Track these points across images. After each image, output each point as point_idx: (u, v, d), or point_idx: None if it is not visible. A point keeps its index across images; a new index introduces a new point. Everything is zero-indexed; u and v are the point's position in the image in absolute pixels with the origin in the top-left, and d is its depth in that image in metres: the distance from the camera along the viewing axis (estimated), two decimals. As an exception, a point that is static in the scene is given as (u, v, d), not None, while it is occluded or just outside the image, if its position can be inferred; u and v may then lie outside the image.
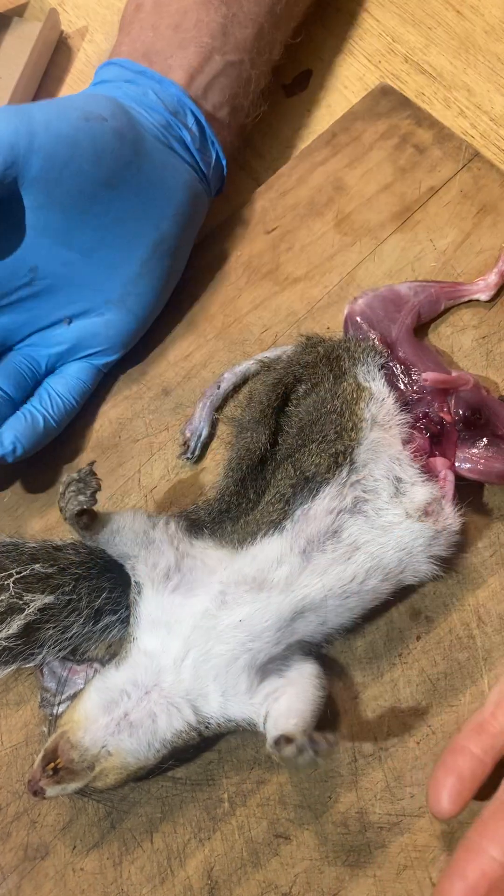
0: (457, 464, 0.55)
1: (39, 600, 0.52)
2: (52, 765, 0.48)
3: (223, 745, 0.54)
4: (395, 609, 0.56)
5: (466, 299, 0.62)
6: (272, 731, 0.48)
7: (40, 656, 0.52)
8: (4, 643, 0.52)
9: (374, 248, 0.65)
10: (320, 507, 0.52)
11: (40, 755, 0.48)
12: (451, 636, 0.55)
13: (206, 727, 0.50)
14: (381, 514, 0.52)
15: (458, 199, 0.66)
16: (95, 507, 0.50)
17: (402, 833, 0.52)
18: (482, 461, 0.54)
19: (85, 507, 0.49)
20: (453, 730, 0.53)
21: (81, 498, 0.49)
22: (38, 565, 0.52)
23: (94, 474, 0.51)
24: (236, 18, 0.63)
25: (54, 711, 0.52)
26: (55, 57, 0.76)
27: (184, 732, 0.50)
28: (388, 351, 0.58)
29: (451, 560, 0.55)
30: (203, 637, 0.50)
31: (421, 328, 0.62)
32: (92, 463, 0.51)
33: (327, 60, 0.74)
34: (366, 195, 0.67)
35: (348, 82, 0.73)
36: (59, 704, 0.52)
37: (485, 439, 0.55)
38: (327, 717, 0.52)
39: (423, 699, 0.54)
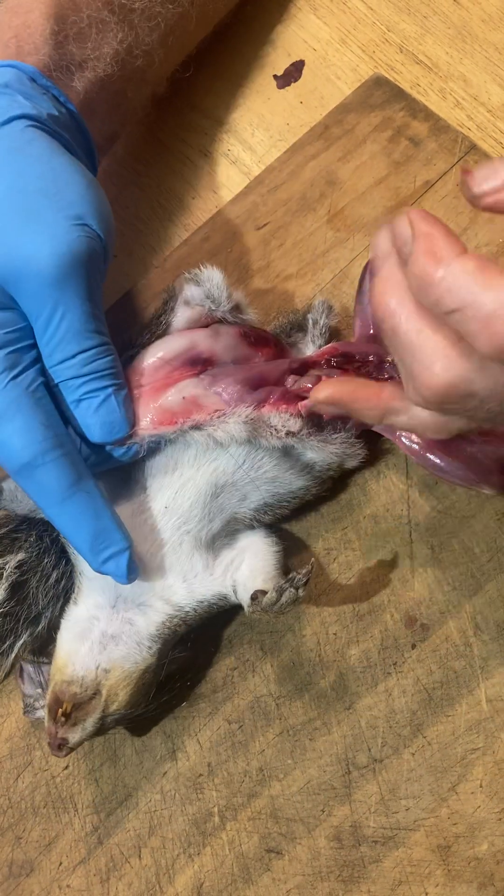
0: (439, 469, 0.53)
1: (13, 559, 0.52)
2: (60, 711, 0.47)
3: (213, 757, 0.53)
4: (389, 616, 0.55)
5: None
6: (245, 596, 0.49)
7: (44, 616, 0.52)
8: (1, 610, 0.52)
9: (368, 245, 0.63)
10: None
11: (45, 713, 0.48)
12: (447, 644, 0.54)
13: (186, 614, 0.51)
14: None
15: (454, 193, 0.64)
16: None
17: (397, 847, 0.51)
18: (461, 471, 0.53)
19: None
20: (450, 740, 0.52)
21: None
22: None
23: None
24: None
25: (39, 715, 0.51)
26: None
27: (165, 623, 0.50)
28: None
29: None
30: (141, 534, 0.50)
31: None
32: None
33: (320, 51, 0.72)
34: (359, 190, 0.65)
35: (341, 73, 0.71)
36: (43, 708, 0.51)
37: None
38: (318, 727, 0.51)
39: (418, 709, 0.53)
